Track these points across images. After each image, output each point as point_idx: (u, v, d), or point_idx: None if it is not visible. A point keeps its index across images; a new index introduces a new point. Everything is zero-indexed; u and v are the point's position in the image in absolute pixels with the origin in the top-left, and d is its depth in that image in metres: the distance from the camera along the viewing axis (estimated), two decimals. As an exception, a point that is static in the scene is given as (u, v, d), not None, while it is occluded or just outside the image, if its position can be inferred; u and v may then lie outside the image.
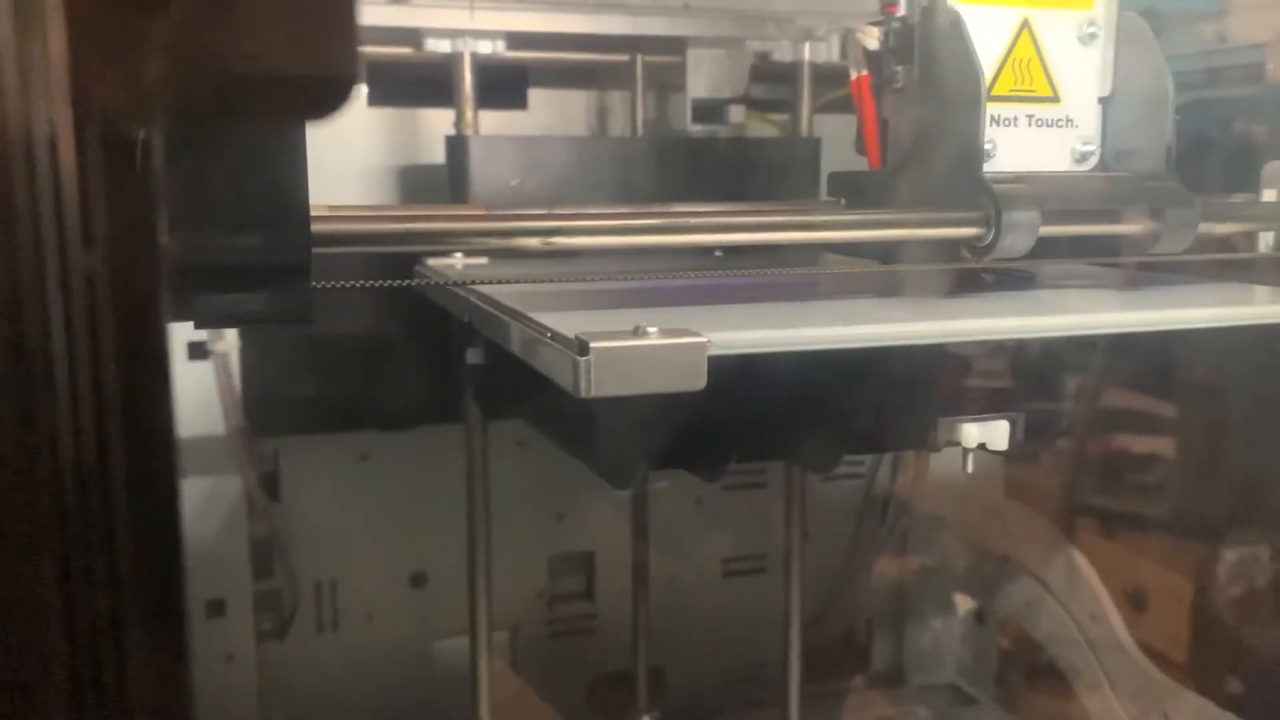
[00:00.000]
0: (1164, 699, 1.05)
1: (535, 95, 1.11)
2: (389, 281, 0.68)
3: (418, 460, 1.12)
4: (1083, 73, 0.74)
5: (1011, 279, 0.80)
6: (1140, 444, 1.13)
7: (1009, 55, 0.73)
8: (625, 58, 1.05)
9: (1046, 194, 0.68)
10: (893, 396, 0.68)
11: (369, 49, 1.01)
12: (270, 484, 1.10)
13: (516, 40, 1.00)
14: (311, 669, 1.13)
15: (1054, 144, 0.74)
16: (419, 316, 0.90)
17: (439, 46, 0.97)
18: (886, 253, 0.74)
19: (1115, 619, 1.11)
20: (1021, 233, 0.66)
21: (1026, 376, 0.72)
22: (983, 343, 0.68)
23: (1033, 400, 0.72)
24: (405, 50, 0.98)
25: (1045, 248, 0.69)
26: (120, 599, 0.32)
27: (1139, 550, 1.12)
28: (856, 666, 1.34)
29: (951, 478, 1.27)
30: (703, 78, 1.05)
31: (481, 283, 0.73)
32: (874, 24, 0.75)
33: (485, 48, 0.98)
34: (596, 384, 0.51)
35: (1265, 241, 0.79)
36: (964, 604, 1.33)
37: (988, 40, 0.71)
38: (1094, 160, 0.75)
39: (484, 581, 0.98)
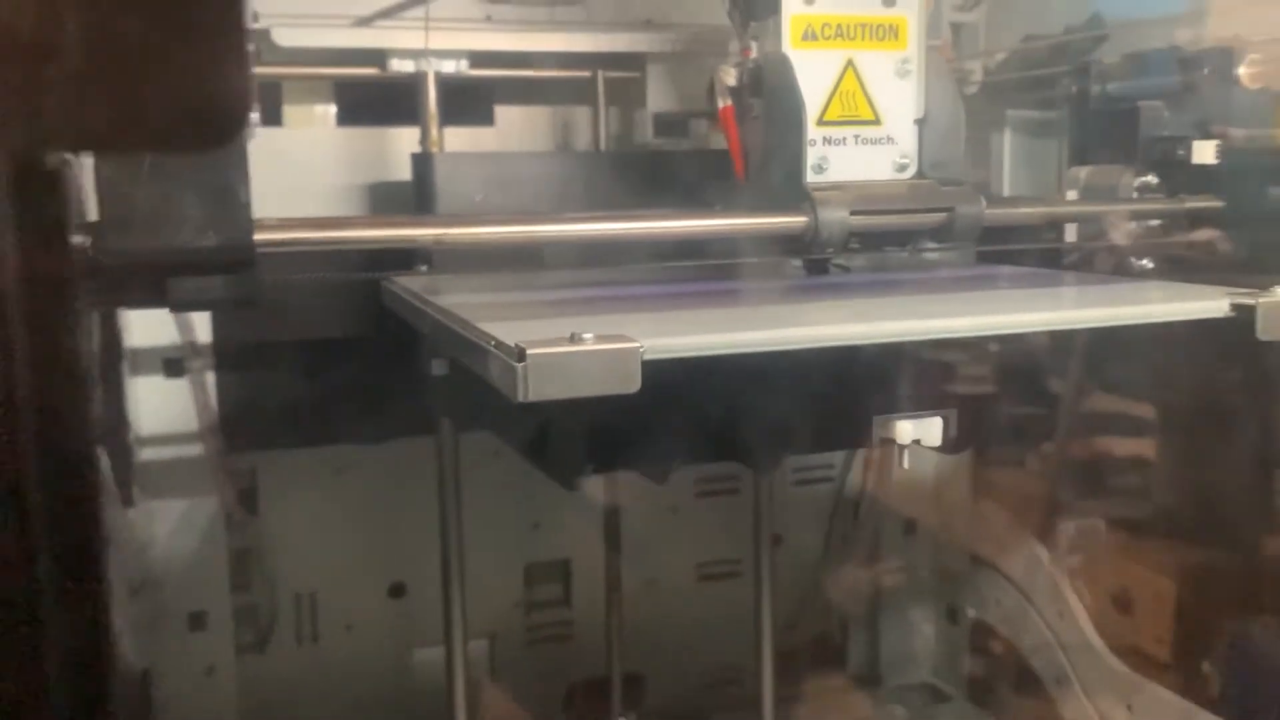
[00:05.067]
0: (1128, 692, 1.07)
1: (501, 112, 1.14)
2: (332, 274, 0.81)
3: (394, 472, 1.14)
4: (899, 100, 0.88)
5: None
6: (1106, 443, 1.14)
7: (837, 88, 0.86)
8: (587, 74, 1.07)
9: (855, 197, 0.83)
10: (828, 396, 0.71)
11: (335, 70, 1.04)
12: (248, 498, 1.12)
13: (480, 59, 1.02)
14: (292, 680, 1.15)
15: (878, 158, 0.88)
16: (388, 333, 0.92)
17: (403, 66, 1.00)
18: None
19: (1082, 617, 1.13)
20: (835, 227, 0.81)
21: (962, 374, 0.74)
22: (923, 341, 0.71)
23: (969, 397, 0.74)
24: (371, 71, 1.01)
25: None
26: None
27: (1108, 549, 1.14)
28: (833, 668, 1.35)
29: (921, 480, 1.29)
30: (664, 92, 1.07)
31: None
32: (734, 65, 0.89)
33: (449, 67, 1.01)
34: (534, 388, 0.53)
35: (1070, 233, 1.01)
36: (937, 604, 1.35)
37: (819, 76, 0.85)
38: (912, 170, 0.89)
39: (459, 591, 1.00)
